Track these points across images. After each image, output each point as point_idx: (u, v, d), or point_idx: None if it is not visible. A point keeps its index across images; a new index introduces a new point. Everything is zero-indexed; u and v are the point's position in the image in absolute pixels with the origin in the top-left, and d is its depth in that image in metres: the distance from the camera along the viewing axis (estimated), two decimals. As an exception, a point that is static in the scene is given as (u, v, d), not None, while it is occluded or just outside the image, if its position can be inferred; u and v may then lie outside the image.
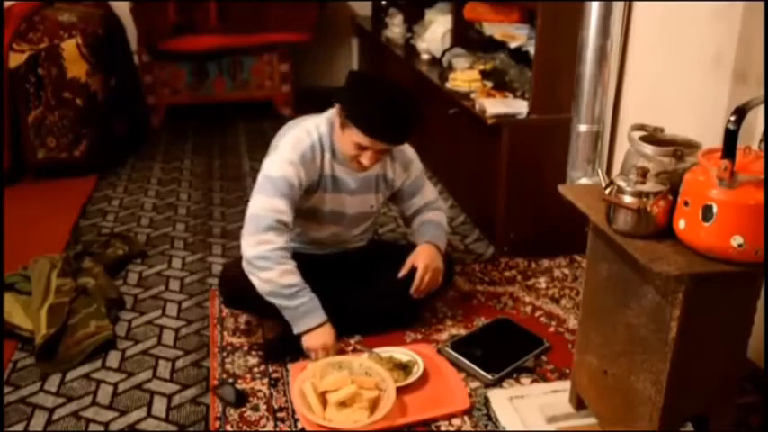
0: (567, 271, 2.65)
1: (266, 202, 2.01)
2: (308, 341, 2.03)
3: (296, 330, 2.03)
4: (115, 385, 2.05)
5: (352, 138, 2.00)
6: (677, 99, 2.23)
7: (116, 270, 2.68)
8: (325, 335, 2.03)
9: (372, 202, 2.24)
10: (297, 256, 2.20)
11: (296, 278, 2.00)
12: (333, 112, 2.10)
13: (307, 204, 2.15)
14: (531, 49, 2.75)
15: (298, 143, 2.07)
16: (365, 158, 2.03)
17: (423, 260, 2.17)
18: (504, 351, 2.11)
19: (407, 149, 2.27)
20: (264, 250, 1.98)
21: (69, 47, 3.50)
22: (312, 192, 2.13)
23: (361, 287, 2.22)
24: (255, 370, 2.07)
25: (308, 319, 2.02)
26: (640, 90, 2.44)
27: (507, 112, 2.64)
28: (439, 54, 3.56)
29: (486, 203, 2.87)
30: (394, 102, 2.00)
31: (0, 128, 3.43)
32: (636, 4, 2.38)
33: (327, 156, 2.11)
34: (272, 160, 2.07)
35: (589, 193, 1.64)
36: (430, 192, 2.36)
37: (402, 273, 2.18)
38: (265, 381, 2.03)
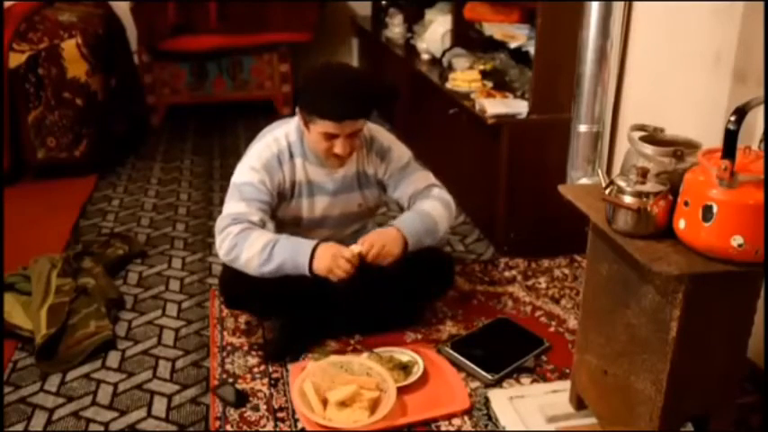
0: (567, 271, 2.65)
1: (228, 209, 2.05)
2: (318, 268, 1.95)
3: (307, 270, 1.95)
4: (115, 385, 2.05)
5: (318, 130, 1.98)
6: (677, 99, 2.23)
7: (116, 270, 2.68)
8: (325, 252, 1.95)
9: (359, 200, 2.22)
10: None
11: (264, 238, 1.96)
12: (297, 117, 2.10)
13: (288, 214, 2.16)
14: (531, 49, 2.75)
15: (263, 151, 2.09)
16: (338, 147, 1.99)
17: (374, 234, 2.03)
18: (504, 351, 2.11)
19: (382, 138, 2.21)
20: (228, 241, 1.97)
21: (69, 47, 3.50)
22: (288, 199, 2.13)
23: (360, 287, 2.22)
24: (255, 370, 2.07)
25: (301, 255, 1.95)
26: (640, 90, 2.44)
27: (507, 112, 2.64)
28: (439, 54, 3.56)
29: (486, 203, 2.87)
30: (340, 77, 2.00)
31: (0, 128, 3.43)
32: (636, 4, 2.38)
33: (299, 161, 2.10)
34: (238, 168, 2.10)
35: (589, 193, 1.64)
36: (422, 178, 2.23)
37: (358, 247, 2.00)
38: (265, 381, 2.03)
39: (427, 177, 2.26)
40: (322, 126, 1.96)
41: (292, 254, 1.95)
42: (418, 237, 2.08)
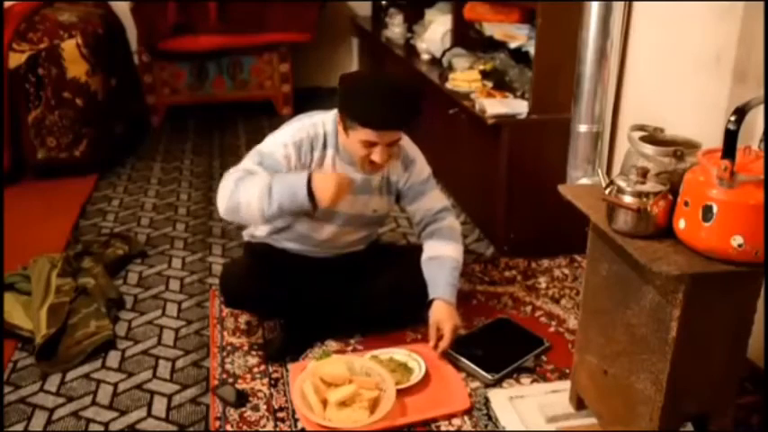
0: (567, 271, 2.65)
1: (242, 165, 2.00)
2: (323, 200, 1.89)
3: (308, 199, 1.88)
4: (115, 385, 2.05)
5: (358, 137, 1.97)
6: (677, 99, 2.23)
7: (116, 270, 2.68)
8: (327, 182, 1.90)
9: (375, 206, 2.20)
10: (295, 257, 2.20)
11: (261, 182, 1.90)
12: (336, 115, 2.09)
13: None
14: (531, 49, 2.75)
15: (298, 131, 2.07)
16: (377, 155, 1.98)
17: (448, 324, 2.06)
18: (504, 351, 2.11)
19: (409, 148, 2.23)
20: (227, 187, 1.93)
21: (69, 47, 3.50)
22: None
23: (361, 287, 2.22)
24: (255, 370, 2.07)
25: (297, 183, 1.89)
26: (640, 90, 2.43)
27: (507, 112, 2.64)
28: (439, 54, 3.56)
29: (486, 203, 2.87)
30: (385, 86, 1.99)
31: (0, 128, 3.43)
32: (636, 4, 2.38)
33: (330, 152, 2.09)
34: (268, 139, 2.08)
35: (589, 193, 1.64)
36: (437, 198, 2.27)
37: (432, 342, 2.08)
38: (265, 381, 2.03)
39: (441, 198, 2.30)
40: (363, 134, 1.95)
41: (290, 195, 1.88)
42: (456, 291, 2.15)
